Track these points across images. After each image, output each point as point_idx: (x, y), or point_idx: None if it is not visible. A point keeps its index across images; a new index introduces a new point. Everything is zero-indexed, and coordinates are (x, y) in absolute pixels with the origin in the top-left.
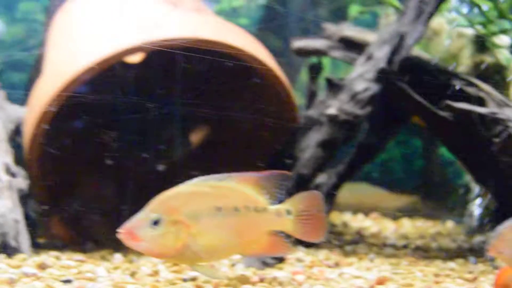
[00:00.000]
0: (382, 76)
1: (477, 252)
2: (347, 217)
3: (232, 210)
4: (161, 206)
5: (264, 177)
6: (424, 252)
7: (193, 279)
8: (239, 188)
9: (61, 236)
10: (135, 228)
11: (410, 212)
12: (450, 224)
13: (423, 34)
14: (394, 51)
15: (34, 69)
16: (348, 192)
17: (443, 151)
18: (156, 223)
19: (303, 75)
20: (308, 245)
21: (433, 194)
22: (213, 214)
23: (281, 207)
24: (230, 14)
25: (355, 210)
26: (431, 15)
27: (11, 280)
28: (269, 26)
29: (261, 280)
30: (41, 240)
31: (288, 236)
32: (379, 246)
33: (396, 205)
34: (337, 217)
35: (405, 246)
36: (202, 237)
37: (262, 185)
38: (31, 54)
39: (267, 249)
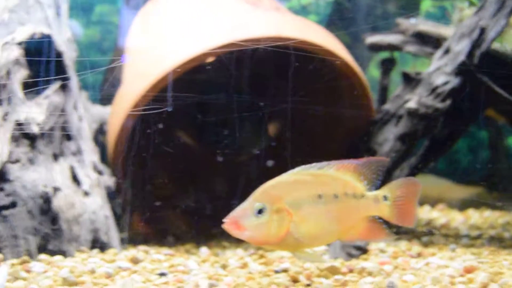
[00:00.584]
0: (462, 69)
1: None
2: None
3: (332, 197)
4: (264, 195)
5: (362, 164)
6: (499, 242)
7: (285, 270)
8: (338, 176)
9: (142, 231)
10: (240, 217)
11: (476, 203)
12: None
13: (504, 28)
14: (475, 45)
15: (108, 71)
16: None
17: (510, 142)
18: (260, 212)
19: (370, 70)
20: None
21: (499, 185)
22: (314, 201)
23: (379, 193)
24: (300, 11)
25: (421, 201)
26: None
27: (108, 274)
28: (338, 22)
29: (351, 271)
30: (123, 235)
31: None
32: (454, 237)
33: (462, 196)
34: None
35: (479, 237)
36: (304, 224)
37: (360, 172)
38: (106, 55)
39: (366, 235)
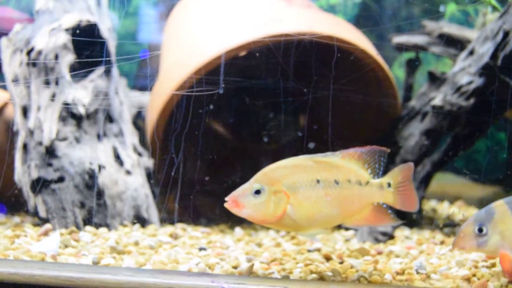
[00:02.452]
0: (486, 70)
1: None
2: (434, 204)
3: (333, 183)
4: (263, 177)
5: (366, 152)
6: None
7: (317, 249)
8: (341, 163)
9: (178, 211)
10: (239, 196)
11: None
12: None
13: None
14: (498, 47)
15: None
16: (434, 181)
17: None
18: (257, 192)
19: (395, 70)
20: (411, 225)
21: None
22: (312, 186)
23: (383, 180)
24: (328, 11)
25: (441, 198)
26: None
27: (152, 246)
28: (364, 23)
29: (379, 253)
30: (161, 214)
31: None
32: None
33: (480, 195)
34: (425, 204)
35: None
36: (301, 206)
37: (365, 160)
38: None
39: (373, 221)
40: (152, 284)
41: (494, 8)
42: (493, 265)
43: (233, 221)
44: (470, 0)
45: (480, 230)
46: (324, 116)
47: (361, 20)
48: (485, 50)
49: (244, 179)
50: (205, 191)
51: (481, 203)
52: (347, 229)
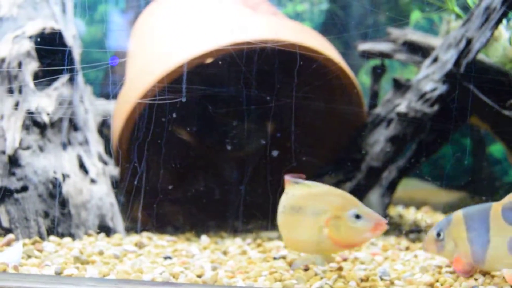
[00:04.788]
0: (449, 77)
1: None
2: (400, 210)
3: None
4: None
5: None
6: None
7: (283, 257)
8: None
9: (144, 220)
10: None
11: (459, 208)
12: None
13: (489, 40)
14: (461, 55)
15: (110, 68)
16: (400, 187)
17: (492, 150)
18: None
19: (361, 77)
20: None
21: (481, 191)
22: None
23: None
24: (294, 18)
25: (407, 203)
26: (498, 21)
27: (116, 256)
28: (330, 30)
29: (344, 260)
30: (127, 223)
31: None
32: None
33: (446, 200)
34: (392, 210)
35: None
36: None
37: None
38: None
39: None
40: None
41: (458, 16)
42: None
43: (198, 229)
44: (434, 8)
45: (438, 235)
46: (289, 124)
47: (328, 27)
48: (448, 58)
49: (208, 187)
50: (171, 199)
51: (447, 208)
52: None
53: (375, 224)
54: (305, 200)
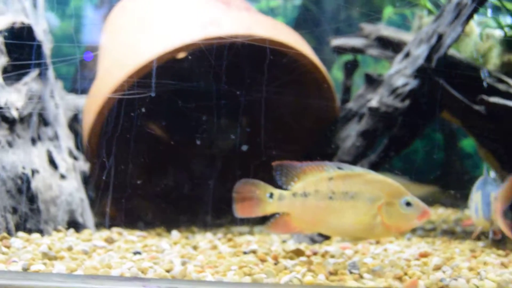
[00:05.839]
0: (420, 72)
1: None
2: None
3: None
4: None
5: None
6: (451, 234)
7: (253, 251)
8: None
9: (114, 215)
10: None
11: (430, 201)
12: (468, 212)
13: (460, 35)
14: (432, 50)
15: (82, 62)
16: None
17: (463, 144)
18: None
19: (334, 72)
20: None
21: (452, 184)
22: None
23: None
24: (268, 14)
25: None
26: (468, 17)
27: (85, 251)
28: (304, 25)
29: (315, 253)
30: (97, 218)
31: None
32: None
33: (417, 194)
34: None
35: (433, 229)
36: None
37: None
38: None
39: None
40: None
41: (430, 12)
42: (425, 263)
43: (169, 224)
44: (406, 3)
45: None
46: (260, 119)
47: (301, 22)
48: (420, 53)
49: (177, 182)
50: (140, 194)
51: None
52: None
53: (422, 212)
54: (360, 186)
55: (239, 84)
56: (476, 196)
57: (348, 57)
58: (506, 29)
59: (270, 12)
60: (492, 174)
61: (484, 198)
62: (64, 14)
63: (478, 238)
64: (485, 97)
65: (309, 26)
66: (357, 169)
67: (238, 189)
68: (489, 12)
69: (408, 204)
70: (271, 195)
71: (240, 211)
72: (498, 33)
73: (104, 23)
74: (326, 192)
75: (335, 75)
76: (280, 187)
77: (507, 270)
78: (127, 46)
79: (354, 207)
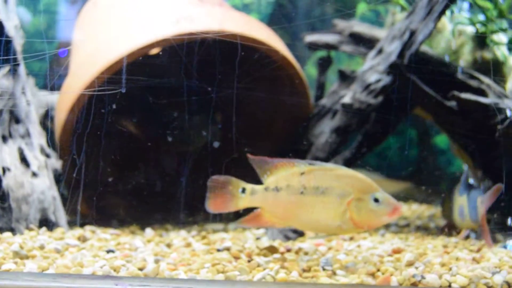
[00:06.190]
0: (393, 68)
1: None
2: None
3: None
4: None
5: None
6: (425, 230)
7: (227, 248)
8: None
9: (88, 213)
10: None
11: (405, 197)
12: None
13: (432, 31)
14: (405, 46)
15: (54, 59)
16: None
17: (436, 140)
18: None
19: (309, 69)
20: None
21: (426, 181)
22: None
23: None
24: (242, 10)
25: None
26: (440, 14)
27: (58, 250)
28: (278, 22)
29: (288, 250)
30: (70, 216)
31: None
32: (383, 225)
33: (392, 190)
34: None
35: (406, 225)
36: None
37: None
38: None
39: None
40: None
41: (403, 8)
42: (398, 259)
43: (142, 222)
44: (380, 0)
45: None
46: (233, 115)
47: (275, 19)
48: (392, 49)
49: (150, 179)
50: (111, 191)
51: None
52: (258, 227)
53: (393, 209)
54: (330, 181)
55: (212, 80)
56: (460, 200)
57: (322, 53)
58: (478, 25)
59: (244, 8)
60: (471, 180)
61: (470, 202)
62: (36, 10)
63: (450, 235)
64: (456, 93)
65: (283, 23)
66: (329, 165)
67: (210, 185)
68: (461, 8)
69: (377, 200)
70: (244, 190)
71: (212, 206)
72: (470, 30)
73: (77, 18)
74: (298, 187)
75: (309, 72)
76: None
77: (478, 265)
78: (99, 42)
79: (324, 202)
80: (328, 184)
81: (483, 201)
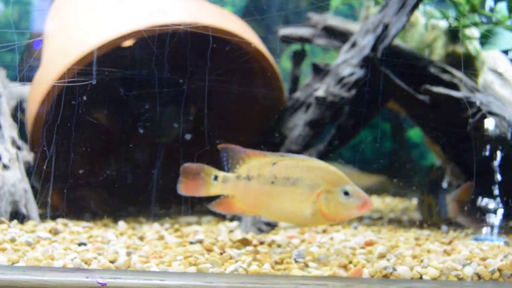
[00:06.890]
0: (366, 62)
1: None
2: None
3: None
4: None
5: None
6: (398, 223)
7: (200, 241)
8: None
9: (60, 206)
10: None
11: (379, 190)
12: (415, 201)
13: (405, 25)
14: (378, 40)
15: (26, 50)
16: None
17: (410, 134)
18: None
19: (283, 62)
20: None
21: (400, 174)
22: None
23: None
24: (216, 3)
25: None
26: (413, 8)
27: (29, 243)
28: (252, 15)
29: (261, 243)
30: (41, 209)
31: None
32: (357, 218)
33: (366, 183)
34: None
35: (379, 218)
36: None
37: None
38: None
39: None
40: (23, 281)
41: (377, 2)
42: (370, 252)
43: (115, 215)
44: None
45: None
46: (205, 107)
47: (249, 11)
48: (366, 43)
49: (121, 171)
50: (88, 185)
51: (367, 192)
52: (231, 220)
53: (363, 203)
54: (301, 172)
55: (184, 72)
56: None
57: (296, 46)
58: (451, 19)
59: (219, 1)
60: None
61: (440, 200)
62: (8, 0)
63: (422, 227)
64: (429, 86)
65: (257, 16)
66: (301, 157)
67: (184, 170)
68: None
69: (347, 193)
70: (216, 178)
71: (184, 189)
72: (443, 24)
73: (49, 9)
74: (269, 177)
75: (283, 65)
76: (225, 170)
77: (449, 257)
78: (71, 33)
79: (294, 193)
80: (298, 175)
81: (453, 198)
